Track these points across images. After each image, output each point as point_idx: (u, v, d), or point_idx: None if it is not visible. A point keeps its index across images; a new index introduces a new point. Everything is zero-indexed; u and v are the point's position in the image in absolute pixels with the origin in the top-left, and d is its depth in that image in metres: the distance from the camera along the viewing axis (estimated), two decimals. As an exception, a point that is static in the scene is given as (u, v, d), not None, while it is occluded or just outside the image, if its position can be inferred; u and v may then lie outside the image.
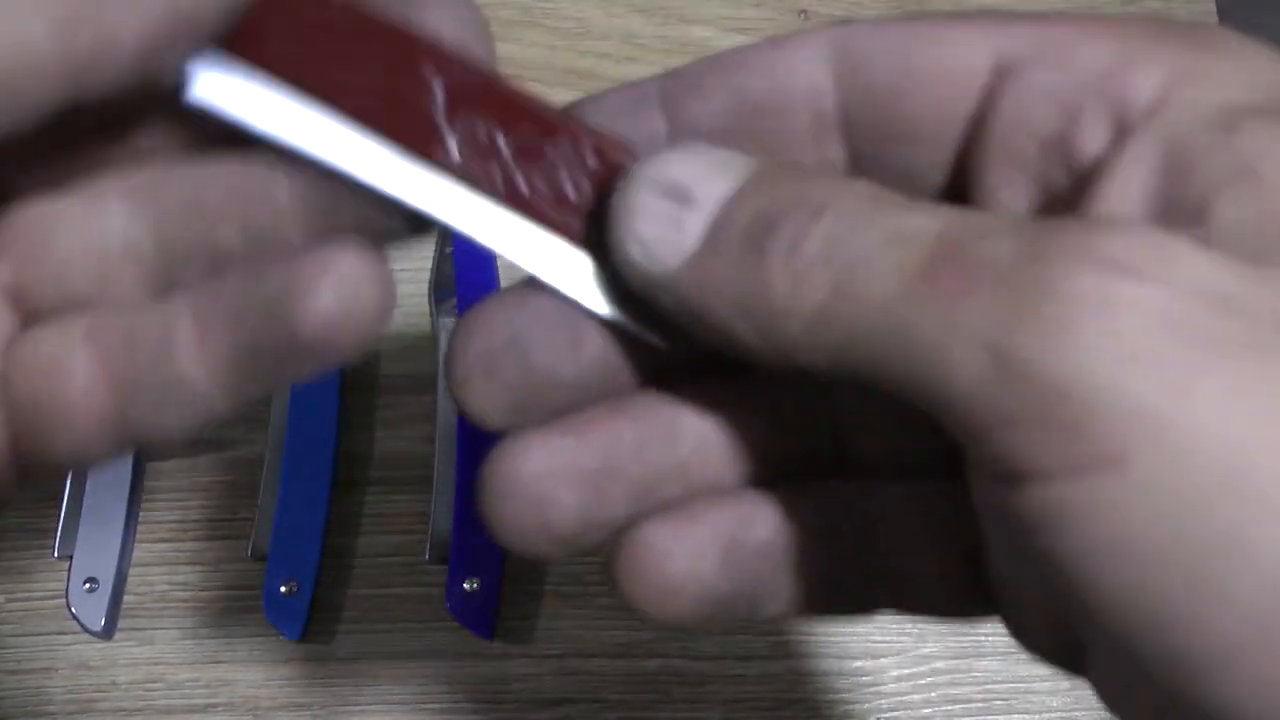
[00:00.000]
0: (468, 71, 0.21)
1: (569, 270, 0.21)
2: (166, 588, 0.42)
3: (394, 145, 0.21)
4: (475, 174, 0.21)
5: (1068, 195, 0.19)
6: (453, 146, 0.21)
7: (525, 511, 0.21)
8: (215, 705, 0.41)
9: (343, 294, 0.18)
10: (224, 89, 0.20)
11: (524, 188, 0.21)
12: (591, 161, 0.21)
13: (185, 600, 0.42)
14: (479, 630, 0.41)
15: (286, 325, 0.18)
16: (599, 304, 0.21)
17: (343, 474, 0.43)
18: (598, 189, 0.21)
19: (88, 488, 0.42)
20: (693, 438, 0.22)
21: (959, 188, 0.20)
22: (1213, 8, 0.51)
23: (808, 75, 0.20)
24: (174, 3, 0.18)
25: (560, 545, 0.21)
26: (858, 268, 0.17)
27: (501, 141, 0.21)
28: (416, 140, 0.21)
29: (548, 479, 0.21)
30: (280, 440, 0.42)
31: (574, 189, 0.22)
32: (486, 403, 0.21)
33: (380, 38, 0.21)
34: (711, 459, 0.22)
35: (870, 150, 0.20)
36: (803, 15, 0.51)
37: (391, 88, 0.21)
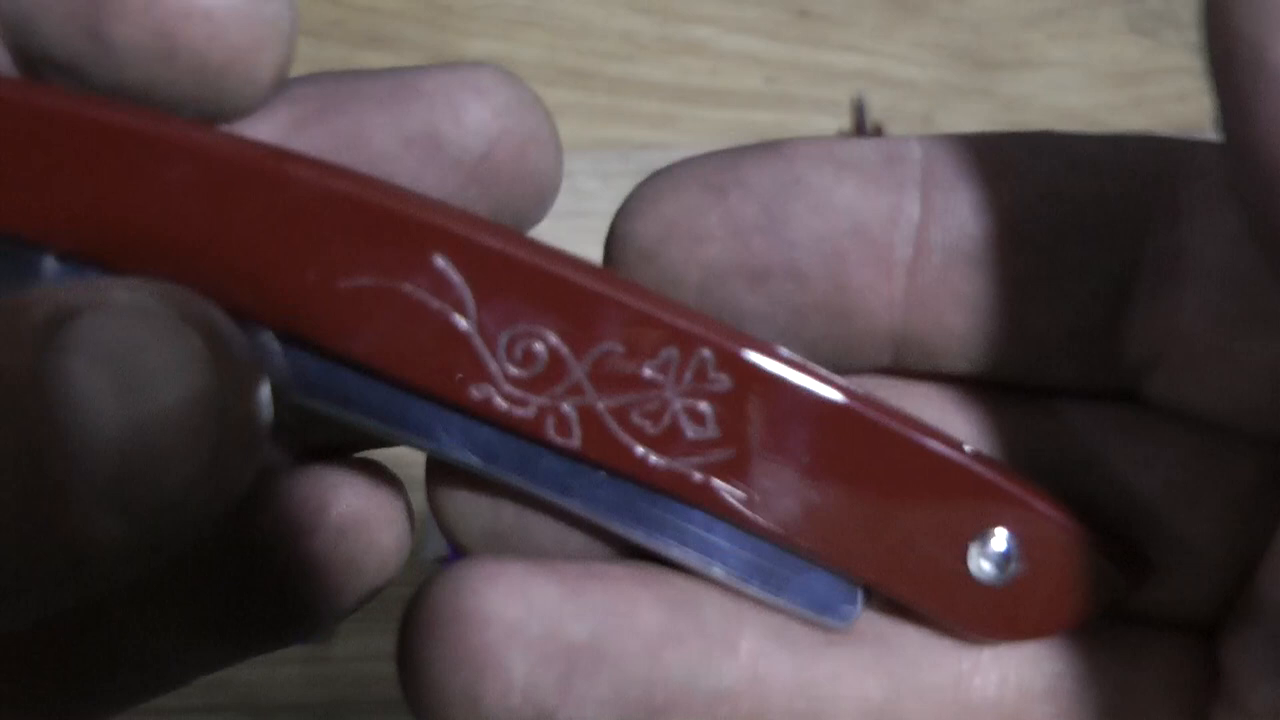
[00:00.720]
0: (486, 247, 0.16)
1: (697, 541, 0.18)
2: (167, 588, 0.42)
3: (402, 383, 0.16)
4: (538, 422, 0.16)
5: None
6: (500, 380, 0.16)
7: (451, 659, 0.17)
8: (215, 705, 0.41)
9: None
10: None
11: (617, 432, 0.17)
12: (717, 379, 0.16)
13: (185, 600, 0.42)
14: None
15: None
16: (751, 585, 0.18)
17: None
18: (731, 421, 0.16)
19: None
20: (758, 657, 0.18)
21: None
22: (1213, 7, 0.51)
23: (1148, 212, 0.18)
24: None
25: None
26: None
27: (570, 360, 0.16)
28: (443, 379, 0.16)
29: (503, 628, 0.17)
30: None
31: (692, 425, 0.17)
32: (464, 517, 0.19)
33: (337, 203, 0.15)
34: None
35: None
36: (803, 15, 0.51)
37: (380, 291, 0.16)
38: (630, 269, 0.18)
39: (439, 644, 0.17)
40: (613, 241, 0.18)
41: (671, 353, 0.16)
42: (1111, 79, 0.51)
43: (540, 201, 0.18)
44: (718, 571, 0.18)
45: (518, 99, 0.18)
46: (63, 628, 0.21)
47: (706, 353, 0.16)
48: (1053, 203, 0.18)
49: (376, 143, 0.18)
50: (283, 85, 0.18)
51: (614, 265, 0.18)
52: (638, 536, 0.18)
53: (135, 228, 0.16)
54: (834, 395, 0.17)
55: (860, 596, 0.19)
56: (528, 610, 0.17)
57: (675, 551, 0.18)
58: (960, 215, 0.18)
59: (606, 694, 0.17)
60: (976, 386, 0.19)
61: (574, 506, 0.17)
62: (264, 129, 0.18)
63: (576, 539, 0.19)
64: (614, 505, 0.17)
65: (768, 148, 0.18)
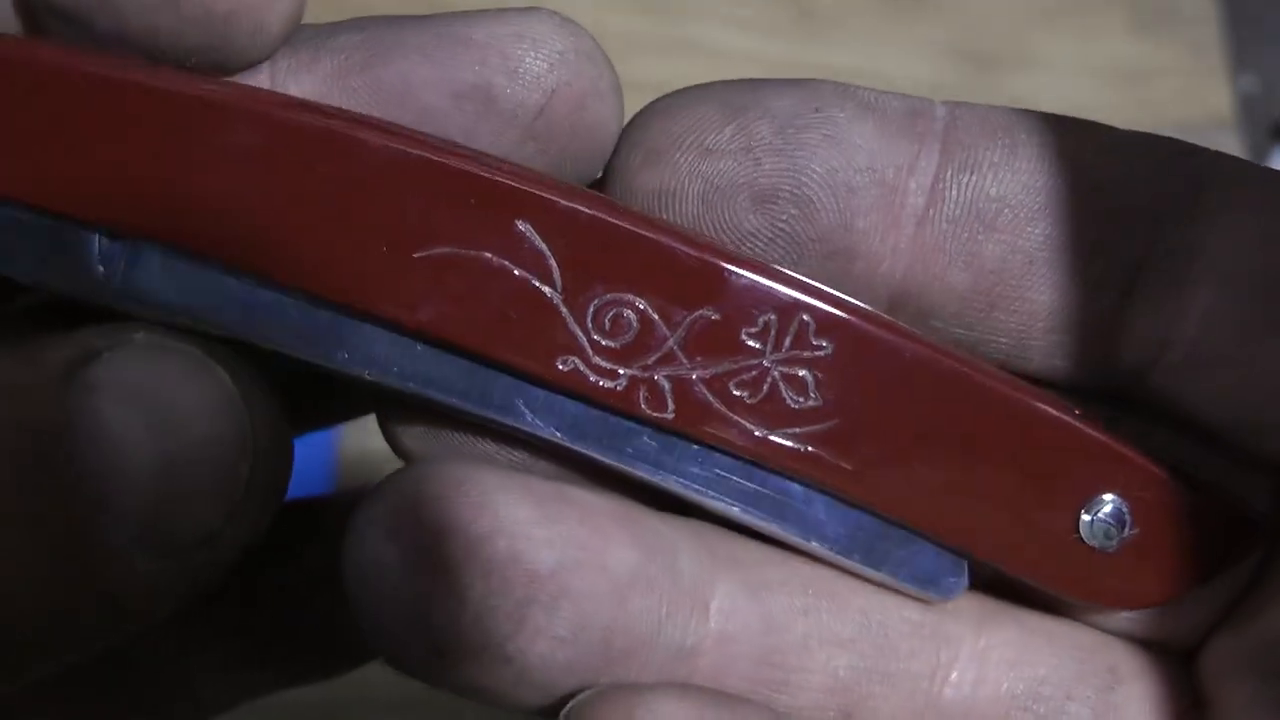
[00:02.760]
0: (571, 210, 0.15)
1: (793, 514, 0.17)
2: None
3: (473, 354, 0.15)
4: (629, 394, 0.15)
5: None
6: (588, 351, 0.15)
7: (402, 566, 0.16)
8: (214, 705, 0.41)
9: None
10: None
11: (714, 403, 0.15)
12: (818, 344, 0.16)
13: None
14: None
15: None
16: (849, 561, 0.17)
17: (343, 474, 0.43)
18: (833, 389, 0.16)
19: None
20: (727, 619, 0.17)
21: None
22: (1212, 7, 0.51)
23: (1171, 206, 0.18)
24: None
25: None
26: None
27: (662, 328, 0.15)
28: (527, 350, 0.15)
29: (463, 541, 0.16)
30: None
31: (792, 393, 0.16)
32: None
33: (427, 169, 0.15)
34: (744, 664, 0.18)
35: None
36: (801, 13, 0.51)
37: (462, 258, 0.15)
38: (632, 173, 0.17)
39: (393, 546, 0.16)
40: (619, 147, 0.17)
41: (770, 318, 0.16)
42: (1111, 79, 0.51)
43: (600, 156, 0.17)
44: (817, 546, 0.17)
45: (575, 48, 0.17)
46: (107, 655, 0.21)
47: (807, 317, 0.16)
48: (1074, 180, 0.18)
49: (425, 98, 0.16)
50: (294, 35, 0.17)
51: (616, 170, 0.17)
52: (735, 513, 0.17)
53: (194, 200, 0.15)
54: (941, 359, 0.16)
55: (965, 569, 0.18)
56: (494, 526, 0.16)
57: (774, 527, 0.17)
58: (978, 175, 0.17)
59: (563, 632, 0.16)
60: None
61: (669, 484, 0.16)
62: (305, 81, 0.17)
63: (518, 446, 0.17)
64: (709, 480, 0.16)
65: (790, 80, 0.18)
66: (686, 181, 0.17)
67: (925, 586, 0.18)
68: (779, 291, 0.16)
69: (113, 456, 0.15)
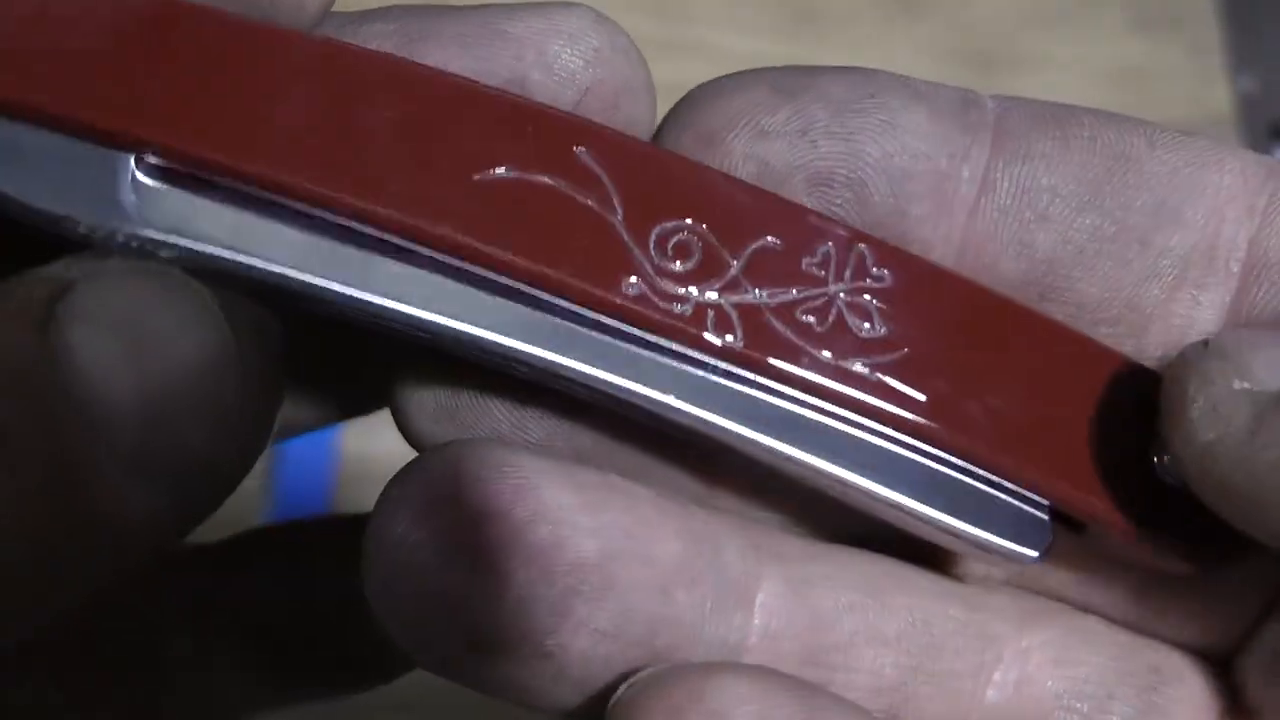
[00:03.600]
0: (626, 141, 0.15)
1: (866, 458, 0.16)
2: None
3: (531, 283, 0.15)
4: (696, 319, 0.15)
5: None
6: (652, 275, 0.15)
7: (437, 550, 0.15)
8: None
9: None
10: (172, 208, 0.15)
11: (782, 329, 0.15)
12: (879, 274, 0.16)
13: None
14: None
15: None
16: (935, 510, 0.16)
17: (343, 474, 0.43)
18: (899, 318, 0.16)
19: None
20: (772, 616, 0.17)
21: None
22: (1212, 7, 0.51)
23: (1219, 201, 0.18)
24: None
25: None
26: None
27: (725, 255, 0.15)
28: (591, 272, 0.15)
29: (505, 527, 0.15)
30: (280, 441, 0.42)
31: (859, 321, 0.16)
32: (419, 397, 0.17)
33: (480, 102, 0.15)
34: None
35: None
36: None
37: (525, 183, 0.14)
38: (683, 153, 0.17)
39: (425, 530, 0.15)
40: (668, 126, 0.17)
41: (828, 248, 0.15)
42: (1111, 79, 0.51)
43: None
44: (901, 497, 0.16)
45: (610, 44, 0.17)
46: (123, 659, 0.21)
47: (863, 247, 0.16)
48: (1124, 172, 0.18)
49: None
50: (324, 22, 0.17)
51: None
52: (811, 461, 0.16)
53: (248, 124, 0.14)
54: (1001, 297, 0.16)
55: (1049, 525, 0.17)
56: (538, 512, 0.15)
57: (853, 475, 0.16)
58: (1030, 165, 0.18)
59: (606, 625, 0.15)
60: None
61: (737, 432, 0.16)
62: None
63: (535, 427, 0.17)
64: (783, 425, 0.16)
65: (841, 68, 0.18)
66: (741, 163, 0.17)
67: (1011, 541, 0.17)
68: (834, 223, 0.16)
69: (95, 384, 0.14)
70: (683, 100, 0.18)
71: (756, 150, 0.17)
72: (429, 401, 0.17)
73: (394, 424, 0.18)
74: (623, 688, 0.16)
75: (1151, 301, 0.18)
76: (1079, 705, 0.19)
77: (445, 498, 0.15)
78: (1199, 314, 0.18)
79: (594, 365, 0.15)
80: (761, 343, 0.15)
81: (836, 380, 0.15)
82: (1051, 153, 0.18)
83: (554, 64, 0.16)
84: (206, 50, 0.15)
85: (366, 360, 0.18)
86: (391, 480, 0.16)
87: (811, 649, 0.17)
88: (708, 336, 0.15)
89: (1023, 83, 0.50)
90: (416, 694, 0.42)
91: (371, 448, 0.44)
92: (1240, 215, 0.18)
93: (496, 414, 0.17)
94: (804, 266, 0.15)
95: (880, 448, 0.16)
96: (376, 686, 0.23)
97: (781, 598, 0.17)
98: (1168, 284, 0.18)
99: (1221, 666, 0.20)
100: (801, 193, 0.17)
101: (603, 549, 0.15)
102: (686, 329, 0.15)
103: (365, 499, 0.16)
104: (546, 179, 0.15)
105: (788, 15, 0.51)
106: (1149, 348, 0.18)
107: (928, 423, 0.16)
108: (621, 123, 0.17)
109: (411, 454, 0.17)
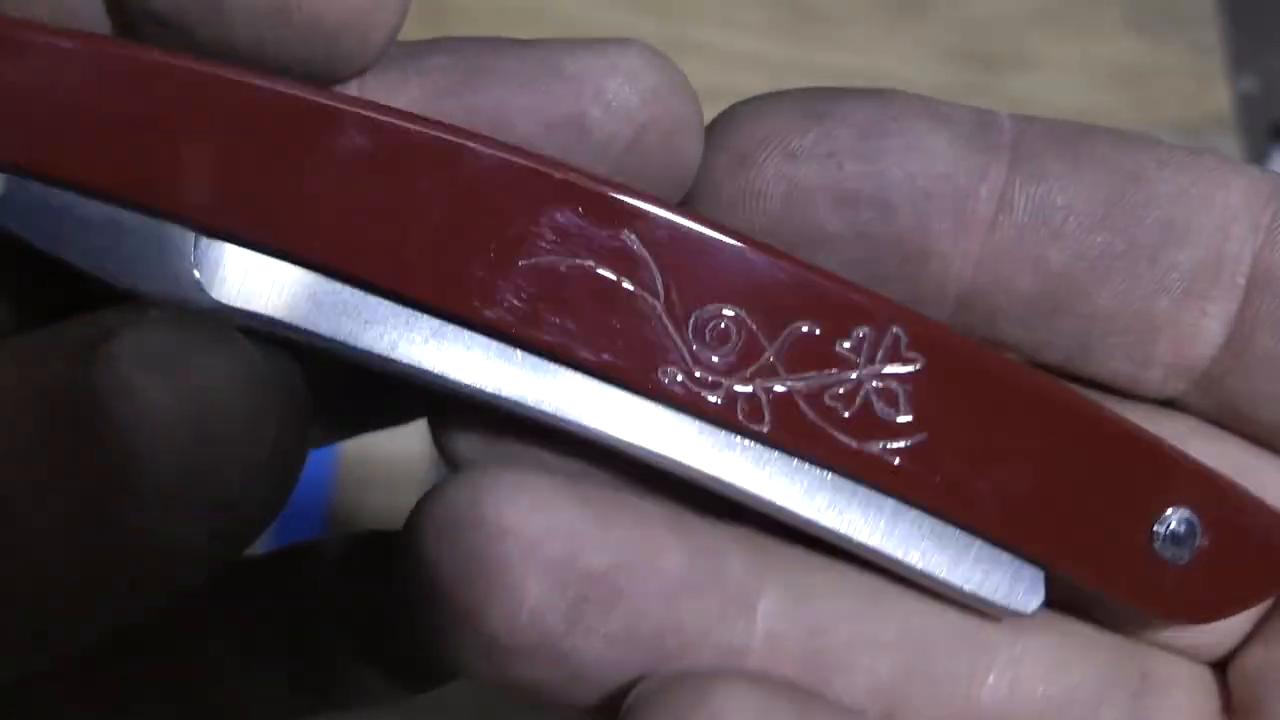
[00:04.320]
0: (673, 223, 0.15)
1: (899, 534, 0.17)
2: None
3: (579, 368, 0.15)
4: (728, 407, 0.16)
5: None
6: (689, 362, 0.15)
7: (460, 567, 0.16)
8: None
9: None
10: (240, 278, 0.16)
11: (810, 415, 0.16)
12: (911, 358, 0.16)
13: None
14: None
15: None
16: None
17: (343, 474, 0.43)
18: (924, 403, 0.16)
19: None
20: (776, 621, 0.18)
21: None
22: (1212, 7, 0.51)
23: (1225, 217, 0.19)
24: None
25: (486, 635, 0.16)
26: None
27: (763, 340, 0.16)
28: (629, 358, 0.15)
29: (521, 543, 0.16)
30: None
31: (885, 407, 0.16)
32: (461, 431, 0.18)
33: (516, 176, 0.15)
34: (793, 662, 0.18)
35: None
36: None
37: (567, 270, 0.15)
38: (718, 175, 0.18)
39: (450, 548, 0.16)
40: (705, 149, 0.18)
41: (864, 331, 0.16)
42: (1111, 79, 0.51)
43: (681, 188, 0.18)
44: (904, 559, 0.17)
45: (667, 83, 0.17)
46: (162, 673, 0.21)
47: (897, 330, 0.16)
48: (1136, 191, 0.18)
49: (519, 126, 0.17)
50: (390, 48, 0.17)
51: (701, 172, 0.18)
52: (814, 521, 0.17)
53: (298, 202, 0.15)
54: (1024, 374, 0.17)
55: (1043, 583, 0.18)
56: (549, 529, 0.16)
57: (871, 541, 0.17)
58: (1045, 184, 0.18)
59: (616, 631, 0.17)
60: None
61: (745, 494, 0.17)
62: (396, 103, 0.17)
63: (566, 462, 0.18)
64: (788, 491, 0.17)
65: (868, 90, 0.18)
66: (772, 183, 0.17)
67: (1005, 600, 0.18)
68: (872, 303, 0.16)
69: (138, 419, 0.15)
70: (718, 119, 0.18)
71: (786, 171, 0.17)
72: (472, 429, 0.18)
73: (392, 430, 0.18)
74: (632, 694, 0.17)
75: (1160, 313, 0.19)
76: (1070, 710, 0.19)
77: (466, 521, 0.16)
78: (1206, 324, 0.19)
79: (624, 432, 0.16)
80: (788, 428, 0.16)
81: (857, 465, 0.16)
82: (1066, 172, 0.18)
83: (612, 101, 0.17)
84: (258, 129, 0.15)
85: (378, 386, 0.18)
86: (420, 500, 0.17)
87: (811, 652, 0.18)
88: (739, 421, 0.16)
89: (1023, 82, 0.50)
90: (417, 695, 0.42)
91: (371, 452, 0.44)
92: (1245, 232, 0.19)
93: (534, 447, 0.18)
94: (837, 349, 0.16)
95: (882, 504, 0.17)
96: (417, 695, 0.23)
97: (782, 605, 0.18)
98: (1176, 297, 0.19)
99: (1218, 670, 0.20)
100: (830, 211, 0.18)
101: (611, 561, 0.17)
102: (717, 416, 0.16)
103: (364, 503, 0.17)
104: (591, 263, 0.15)
105: (788, 15, 0.51)
106: (1157, 356, 0.19)
107: (937, 500, 0.17)
108: (673, 159, 0.17)
109: (409, 460, 0.18)
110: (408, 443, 0.45)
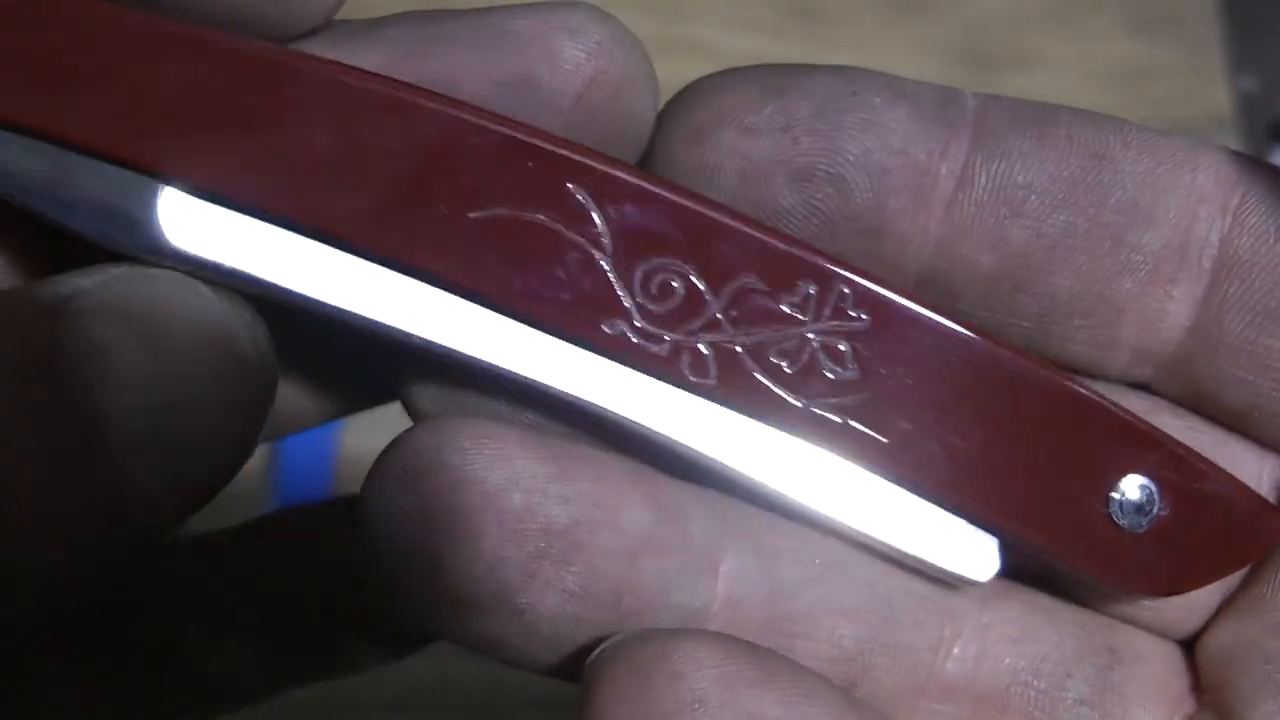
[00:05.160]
0: (620, 177, 0.16)
1: (837, 492, 0.17)
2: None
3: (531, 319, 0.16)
4: (672, 359, 0.16)
5: None
6: (634, 315, 0.16)
7: (420, 514, 0.16)
8: (214, 704, 0.41)
9: None
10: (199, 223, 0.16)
11: (754, 370, 0.16)
12: (856, 316, 0.16)
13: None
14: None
15: None
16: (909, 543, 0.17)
17: (343, 474, 0.43)
18: (870, 361, 0.16)
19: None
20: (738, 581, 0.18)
21: None
22: (1212, 7, 0.51)
23: (1192, 200, 0.18)
24: None
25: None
26: None
27: (708, 295, 0.16)
28: (570, 311, 0.16)
29: (481, 493, 0.16)
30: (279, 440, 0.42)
31: (831, 364, 0.16)
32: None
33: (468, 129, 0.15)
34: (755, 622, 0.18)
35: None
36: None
37: (516, 221, 0.15)
38: (673, 150, 0.18)
39: (410, 495, 0.16)
40: (662, 121, 0.18)
41: (809, 288, 0.16)
42: (1111, 79, 0.51)
43: (636, 142, 0.18)
44: (852, 524, 0.17)
45: (612, 38, 0.18)
46: (143, 644, 0.22)
47: (845, 289, 0.16)
48: (1099, 171, 0.18)
49: (469, 86, 0.17)
50: (338, 30, 0.17)
51: (658, 146, 0.18)
52: (764, 487, 0.17)
53: (259, 157, 0.16)
54: (974, 336, 0.17)
55: (997, 551, 0.18)
56: (511, 480, 0.16)
57: (804, 502, 0.17)
58: (1007, 162, 0.18)
59: (573, 587, 0.17)
60: None
61: (693, 450, 0.17)
62: None
63: (530, 414, 0.18)
64: (738, 451, 0.17)
65: (828, 66, 0.18)
66: (726, 159, 0.17)
67: (958, 567, 0.18)
68: (819, 261, 0.16)
69: (108, 370, 0.15)
70: (677, 95, 0.18)
71: (741, 146, 0.17)
72: (433, 388, 0.18)
73: (393, 422, 0.18)
74: (595, 652, 0.17)
75: (1124, 295, 0.19)
76: (1036, 682, 0.19)
77: (428, 468, 0.16)
78: (1171, 308, 0.19)
79: (577, 388, 0.16)
80: (733, 383, 0.16)
81: (801, 422, 0.16)
82: (1029, 150, 0.18)
83: (558, 57, 0.17)
84: (220, 82, 0.16)
85: (368, 356, 0.18)
86: (382, 452, 0.17)
87: (773, 616, 0.18)
88: (684, 375, 0.16)
89: (1022, 82, 0.50)
90: (414, 694, 0.42)
91: (371, 443, 0.44)
92: (1213, 214, 0.18)
93: (495, 400, 0.18)
94: (783, 305, 0.16)
95: (828, 467, 0.17)
96: (388, 662, 0.23)
97: (745, 567, 0.18)
98: (1140, 279, 0.18)
99: (1182, 648, 0.20)
100: (784, 187, 0.17)
101: (572, 515, 0.17)
102: (662, 368, 0.16)
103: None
104: (541, 217, 0.16)
105: (787, 14, 0.51)
106: (1122, 338, 0.19)
107: (886, 460, 0.17)
108: (623, 113, 0.18)
109: None
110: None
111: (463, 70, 0.17)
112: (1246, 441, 0.19)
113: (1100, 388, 0.19)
